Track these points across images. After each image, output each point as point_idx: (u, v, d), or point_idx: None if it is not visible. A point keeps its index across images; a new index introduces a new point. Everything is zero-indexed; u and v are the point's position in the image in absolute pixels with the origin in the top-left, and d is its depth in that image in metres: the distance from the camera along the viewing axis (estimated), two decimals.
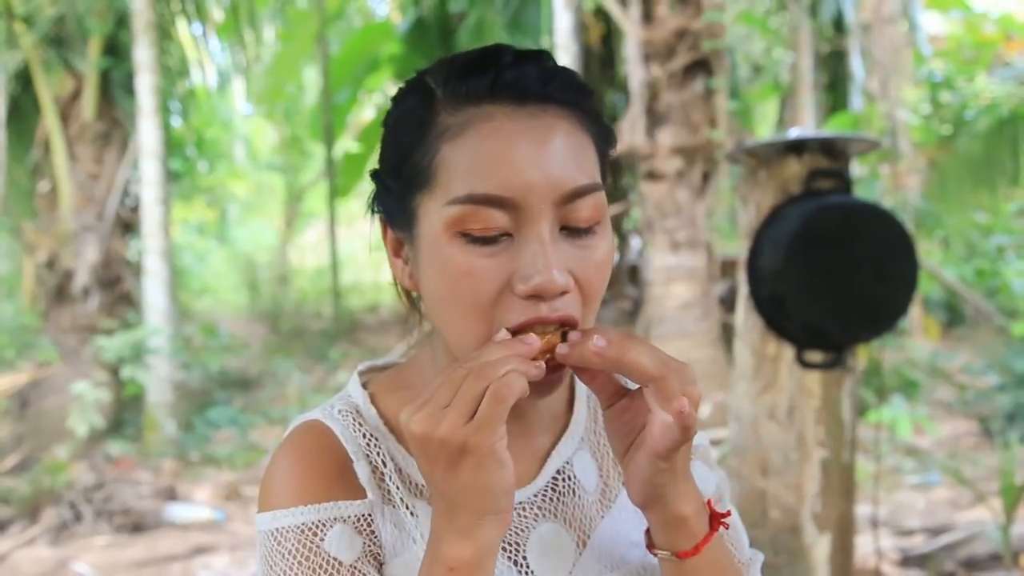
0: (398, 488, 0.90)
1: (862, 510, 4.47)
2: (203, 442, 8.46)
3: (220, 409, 9.38)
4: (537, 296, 0.81)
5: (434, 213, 0.83)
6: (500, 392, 0.75)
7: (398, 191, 0.87)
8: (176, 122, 10.79)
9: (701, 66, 8.63)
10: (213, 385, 10.28)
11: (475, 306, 0.82)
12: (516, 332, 0.81)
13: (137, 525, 6.16)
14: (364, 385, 0.97)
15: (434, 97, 0.85)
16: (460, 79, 0.84)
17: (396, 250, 0.92)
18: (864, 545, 4.36)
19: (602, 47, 11.05)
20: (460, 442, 0.75)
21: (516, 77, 0.83)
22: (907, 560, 4.70)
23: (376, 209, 0.93)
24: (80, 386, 7.79)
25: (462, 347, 0.85)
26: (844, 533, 2.75)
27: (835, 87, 11.30)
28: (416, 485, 0.91)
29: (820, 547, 2.69)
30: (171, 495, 6.72)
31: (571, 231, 0.83)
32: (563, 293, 0.81)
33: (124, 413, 8.72)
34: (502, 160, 0.81)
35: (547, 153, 0.81)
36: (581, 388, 1.01)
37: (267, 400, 10.12)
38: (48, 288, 8.93)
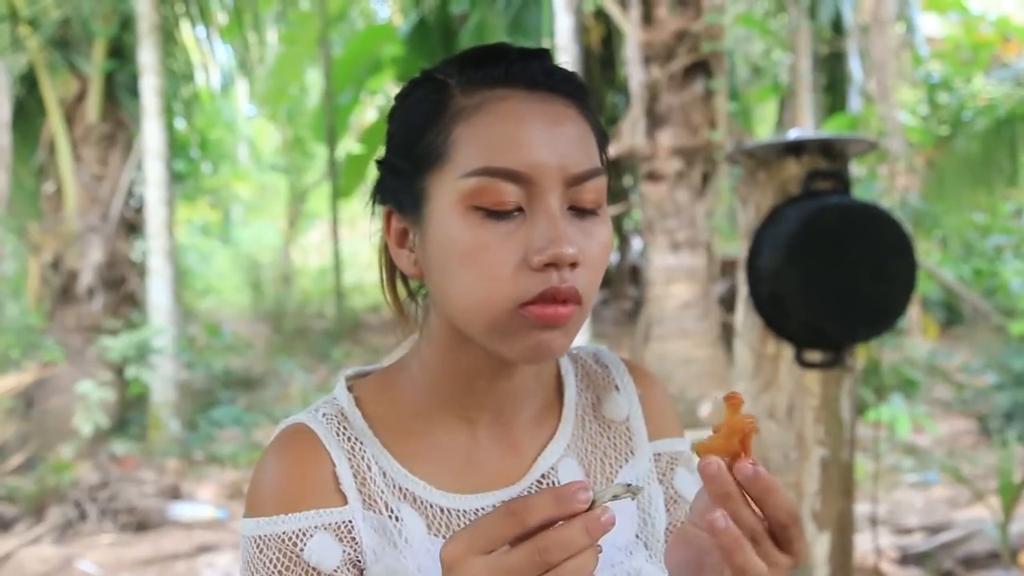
0: (382, 492, 0.90)
1: (861, 508, 4.49)
2: (207, 441, 8.48)
3: (224, 408, 9.40)
4: (551, 266, 0.82)
5: (447, 189, 0.85)
6: None
7: (408, 172, 0.88)
8: (180, 124, 10.78)
9: (701, 68, 8.66)
10: (217, 384, 10.30)
11: (494, 280, 0.83)
12: (531, 304, 0.82)
13: (141, 523, 6.18)
14: (349, 389, 0.96)
15: (447, 85, 0.88)
16: (474, 66, 0.88)
17: (400, 240, 0.91)
18: (863, 543, 4.38)
19: (602, 49, 11.10)
20: None
21: (525, 67, 0.87)
22: (906, 558, 4.71)
23: (380, 199, 0.93)
24: (85, 386, 7.82)
25: (476, 321, 0.85)
26: (843, 531, 2.74)
27: (834, 88, 11.31)
28: (401, 488, 0.91)
29: (819, 545, 2.69)
30: (175, 494, 6.74)
31: (577, 211, 0.86)
32: (573, 265, 0.83)
33: (128, 412, 8.74)
34: (516, 137, 0.84)
35: (557, 136, 0.84)
36: (570, 395, 1.01)
37: (270, 399, 10.14)
38: (53, 288, 8.96)
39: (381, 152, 0.95)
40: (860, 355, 5.16)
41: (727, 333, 7.96)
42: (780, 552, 0.77)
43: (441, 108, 0.87)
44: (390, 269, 0.98)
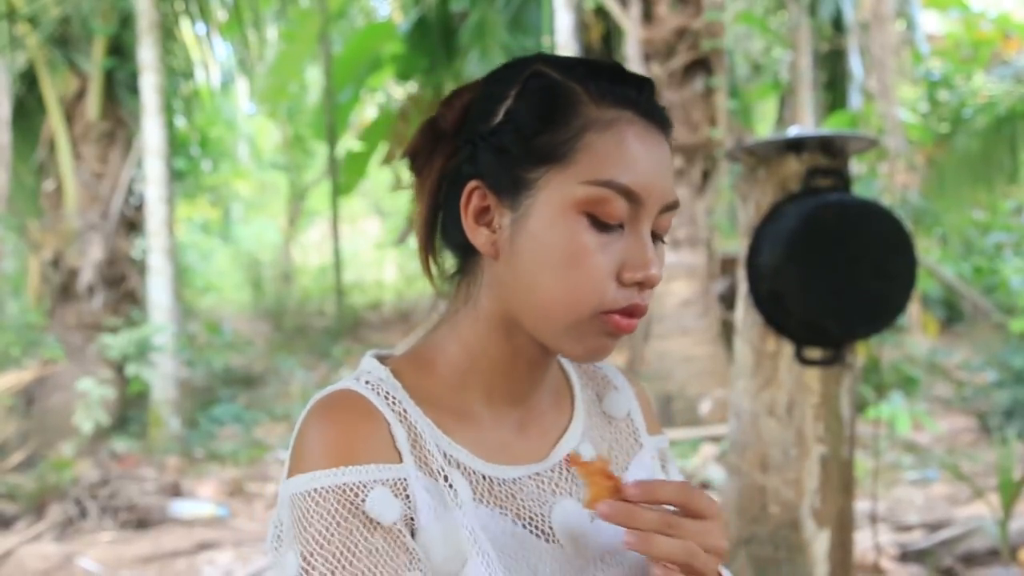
0: (432, 455, 0.92)
1: (861, 506, 4.50)
2: (207, 439, 8.49)
3: (224, 406, 9.42)
4: (639, 285, 0.91)
5: (563, 188, 0.90)
6: None
7: (517, 157, 0.92)
8: (180, 121, 10.76)
9: (701, 65, 8.67)
10: (217, 382, 10.32)
11: (589, 285, 0.90)
12: (618, 313, 0.91)
13: (142, 521, 6.17)
14: (382, 363, 0.98)
15: (575, 90, 0.93)
16: (608, 83, 0.93)
17: (479, 217, 0.94)
18: (863, 540, 4.39)
19: (602, 46, 11.06)
20: None
21: (651, 98, 0.95)
22: (906, 555, 4.71)
23: (468, 171, 0.95)
24: (85, 383, 7.82)
25: (555, 316, 0.91)
26: (843, 528, 2.75)
27: (834, 86, 11.28)
28: (446, 454, 0.93)
29: (819, 542, 2.70)
30: (176, 491, 6.75)
31: (653, 236, 0.94)
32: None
33: (129, 410, 8.75)
34: (639, 161, 0.91)
35: (665, 166, 0.93)
36: (577, 390, 1.07)
37: (271, 397, 10.16)
38: (53, 286, 8.97)
39: (475, 124, 0.96)
40: (860, 352, 5.16)
41: (727, 331, 7.97)
42: (699, 520, 0.88)
43: (572, 112, 0.92)
44: (430, 235, 1.00)
